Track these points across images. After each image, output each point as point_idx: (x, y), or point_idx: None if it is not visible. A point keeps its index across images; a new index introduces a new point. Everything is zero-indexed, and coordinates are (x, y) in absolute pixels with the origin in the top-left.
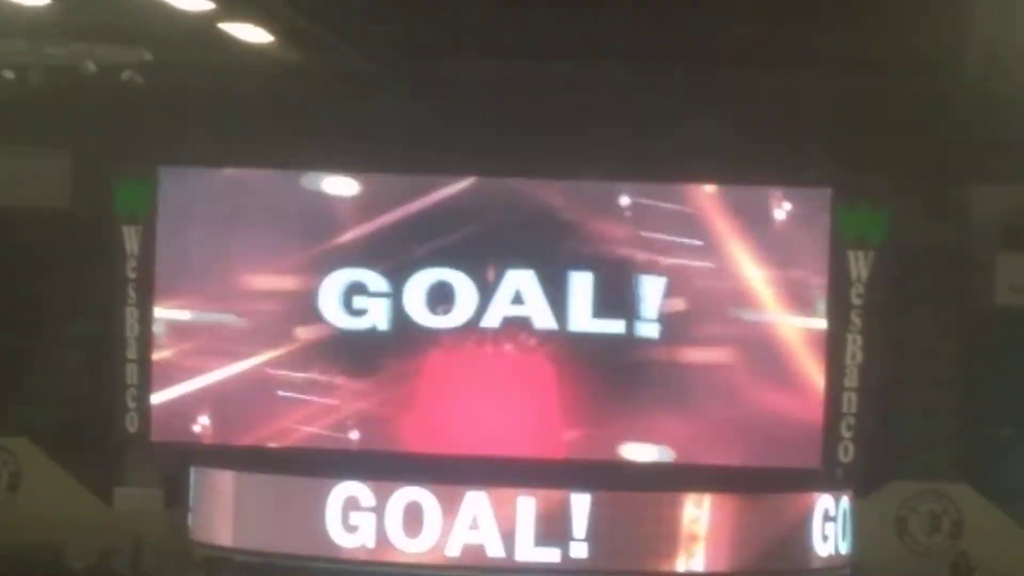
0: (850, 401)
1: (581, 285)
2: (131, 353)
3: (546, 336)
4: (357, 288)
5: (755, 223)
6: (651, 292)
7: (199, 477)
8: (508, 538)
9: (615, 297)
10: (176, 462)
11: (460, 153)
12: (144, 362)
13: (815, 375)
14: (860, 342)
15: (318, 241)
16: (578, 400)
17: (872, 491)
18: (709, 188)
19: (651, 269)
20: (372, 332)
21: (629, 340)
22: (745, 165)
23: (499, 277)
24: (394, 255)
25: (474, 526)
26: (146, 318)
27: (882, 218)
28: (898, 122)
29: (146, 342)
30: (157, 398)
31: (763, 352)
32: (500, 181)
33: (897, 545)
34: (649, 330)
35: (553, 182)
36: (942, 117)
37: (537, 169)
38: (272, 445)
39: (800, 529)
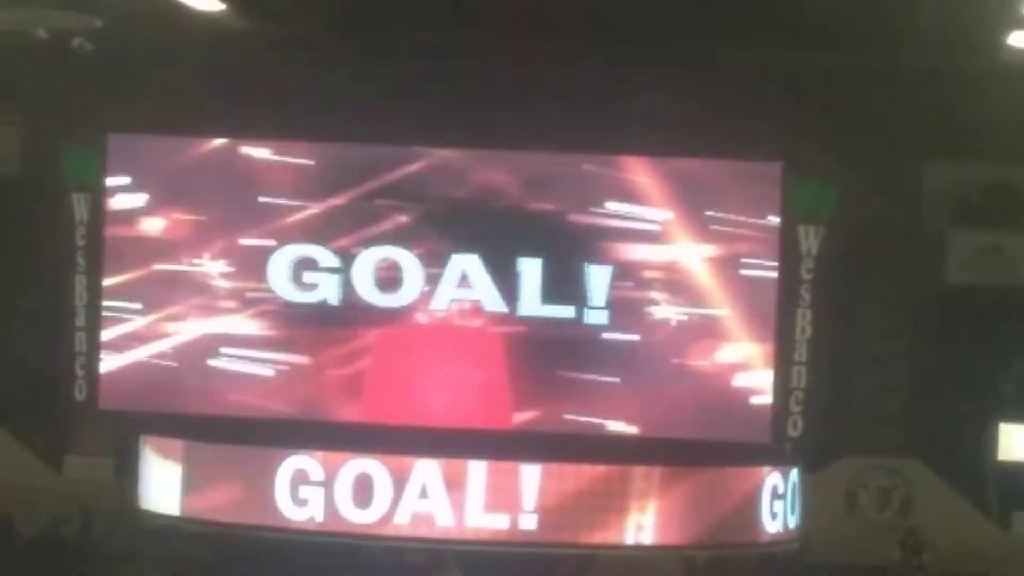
0: (800, 376)
1: (530, 271)
2: (80, 321)
3: (495, 318)
4: (307, 263)
5: (704, 198)
6: (599, 278)
7: (148, 446)
8: (458, 508)
9: (564, 283)
10: (126, 431)
11: (412, 124)
12: (93, 330)
13: (766, 350)
14: (810, 317)
15: (268, 213)
16: (527, 377)
17: (822, 466)
18: (657, 162)
19: (600, 254)
20: (323, 306)
21: (578, 324)
22: (694, 139)
23: (445, 260)
24: (344, 231)
25: (423, 495)
26: (95, 287)
27: (833, 193)
28: (849, 97)
29: (95, 311)
30: (106, 366)
31: (713, 328)
32: (451, 159)
33: (846, 521)
34: (598, 316)
35: (505, 156)
36: (894, 93)
37: (491, 141)
38: (222, 415)
39: (749, 504)
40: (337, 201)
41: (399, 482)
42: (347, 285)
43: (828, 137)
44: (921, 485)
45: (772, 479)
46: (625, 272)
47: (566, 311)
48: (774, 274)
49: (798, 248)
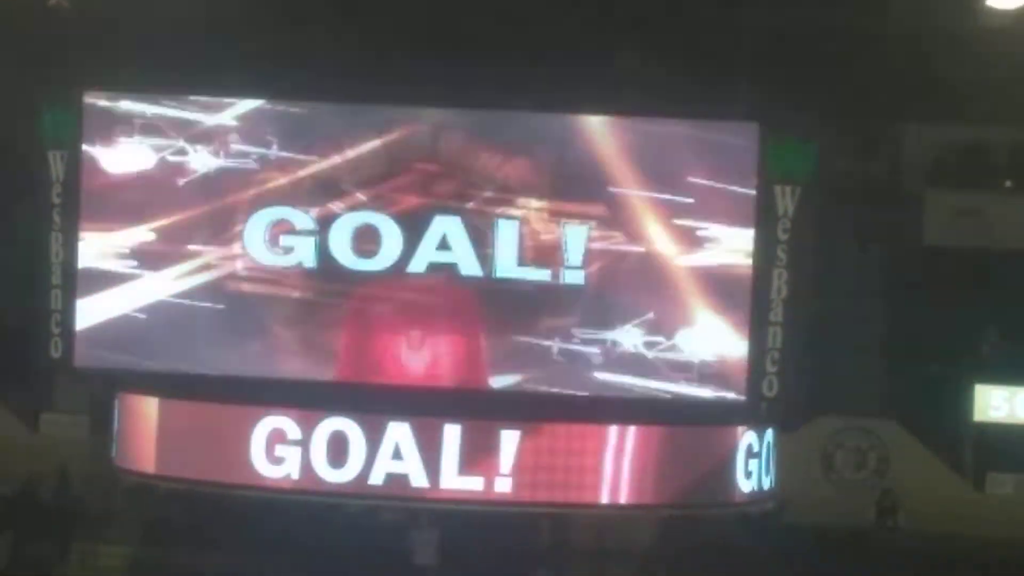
0: (775, 336)
1: (506, 232)
2: (56, 279)
3: (471, 281)
4: (283, 226)
5: (682, 158)
6: (575, 239)
7: (124, 403)
8: (432, 468)
9: (540, 244)
10: (101, 388)
11: (388, 80)
12: (69, 288)
13: (742, 310)
14: (786, 277)
15: (244, 175)
16: (503, 339)
17: (798, 426)
18: (634, 123)
19: (574, 215)
20: (298, 268)
21: (555, 287)
22: (673, 99)
23: (427, 222)
24: (322, 194)
25: (397, 455)
26: (71, 244)
27: (810, 153)
28: (828, 58)
29: (71, 268)
30: (81, 324)
31: (689, 288)
32: (427, 118)
33: (823, 481)
34: (575, 277)
35: (480, 115)
36: (874, 54)
37: (465, 101)
38: (198, 373)
39: (724, 463)
40: (314, 163)
41: (373, 442)
42: (324, 248)
43: (806, 98)
44: (897, 446)
45: (747, 438)
46: (602, 233)
47: (542, 273)
48: (751, 234)
49: (775, 208)
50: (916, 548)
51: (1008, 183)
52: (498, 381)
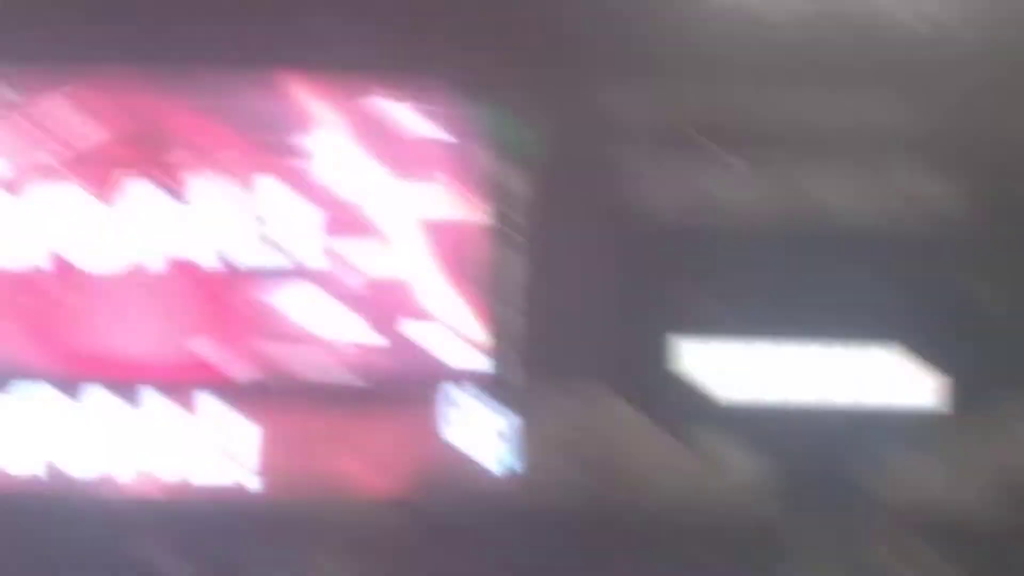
0: (510, 317)
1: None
2: None
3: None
4: None
5: (387, 125)
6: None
7: None
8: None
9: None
10: None
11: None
12: None
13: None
14: (518, 259)
15: None
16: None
17: (534, 405)
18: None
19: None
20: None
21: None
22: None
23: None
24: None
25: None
26: None
27: (531, 129)
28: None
29: None
30: None
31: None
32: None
33: (563, 459)
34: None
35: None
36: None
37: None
38: None
39: (464, 445)
40: None
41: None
42: None
43: (518, 69)
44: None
45: (488, 418)
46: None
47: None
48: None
49: (504, 189)
50: None
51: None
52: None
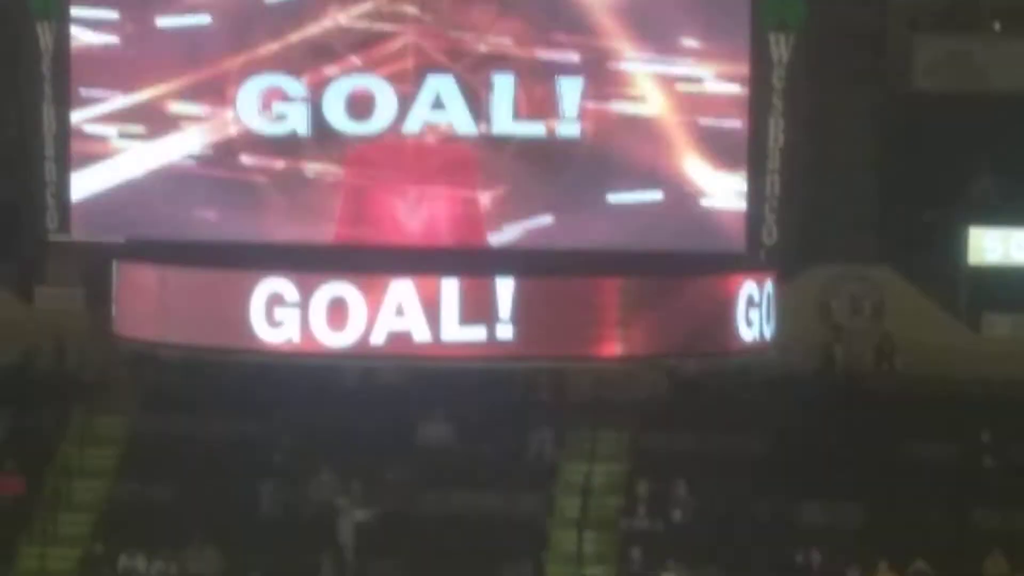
0: (773, 184)
1: (501, 88)
2: (48, 151)
3: (467, 139)
4: (276, 92)
5: (672, 9)
6: (570, 92)
7: (122, 272)
8: (433, 322)
9: (535, 99)
10: (97, 259)
11: None
12: (62, 159)
13: (738, 159)
14: (782, 125)
15: (237, 43)
16: (500, 196)
17: (795, 275)
18: None
19: (568, 69)
20: (292, 137)
21: (551, 141)
22: None
23: (419, 82)
24: (313, 59)
25: (400, 313)
26: (63, 116)
27: (802, 1)
28: None
29: (64, 139)
30: (76, 195)
31: (686, 139)
32: None
33: (820, 328)
34: (570, 130)
35: None
36: None
37: None
38: (195, 240)
39: (725, 313)
40: (305, 26)
41: (374, 302)
42: (317, 114)
43: None
44: (892, 291)
45: (747, 288)
46: (596, 87)
47: (536, 127)
48: (746, 83)
49: (769, 56)
50: (914, 390)
51: (996, 26)
52: (497, 238)
